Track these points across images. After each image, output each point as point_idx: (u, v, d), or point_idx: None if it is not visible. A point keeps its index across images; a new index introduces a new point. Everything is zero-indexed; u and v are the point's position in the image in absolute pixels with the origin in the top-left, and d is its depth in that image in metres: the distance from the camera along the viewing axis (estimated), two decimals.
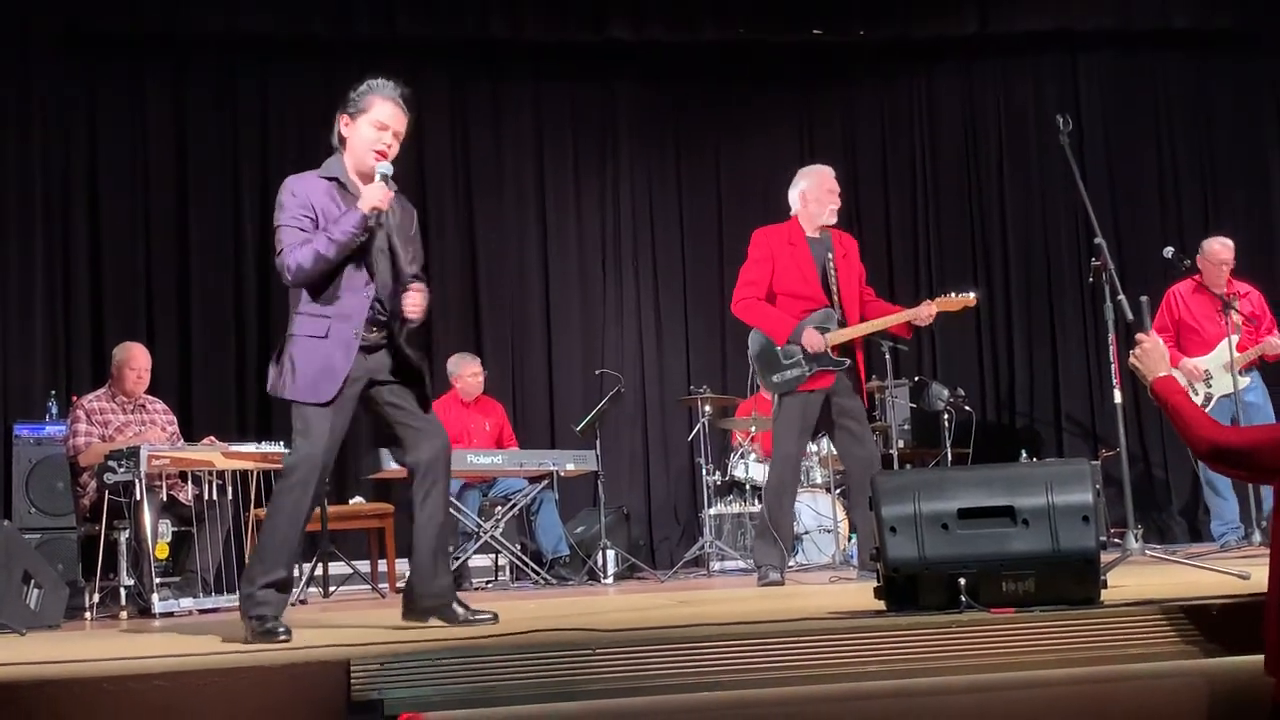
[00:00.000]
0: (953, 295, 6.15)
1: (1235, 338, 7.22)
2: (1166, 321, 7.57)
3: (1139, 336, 3.48)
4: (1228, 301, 7.25)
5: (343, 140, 4.30)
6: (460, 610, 4.19)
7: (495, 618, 4.15)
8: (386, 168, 4.15)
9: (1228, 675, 3.21)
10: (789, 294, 6.06)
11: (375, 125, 4.23)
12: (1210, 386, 7.35)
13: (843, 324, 6.02)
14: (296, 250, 4.07)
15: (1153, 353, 3.40)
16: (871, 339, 6.58)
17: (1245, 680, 3.07)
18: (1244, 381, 7.21)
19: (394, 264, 4.24)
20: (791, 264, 6.06)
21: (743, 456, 8.69)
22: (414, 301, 4.23)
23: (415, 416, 4.26)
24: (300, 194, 4.18)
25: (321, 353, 4.06)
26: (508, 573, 8.25)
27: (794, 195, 6.28)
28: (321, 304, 4.10)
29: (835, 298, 6.09)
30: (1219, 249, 7.43)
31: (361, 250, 4.12)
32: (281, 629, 3.86)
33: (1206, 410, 7.33)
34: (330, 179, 4.24)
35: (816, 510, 8.16)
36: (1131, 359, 3.49)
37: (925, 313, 6.03)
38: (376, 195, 4.10)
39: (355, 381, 4.12)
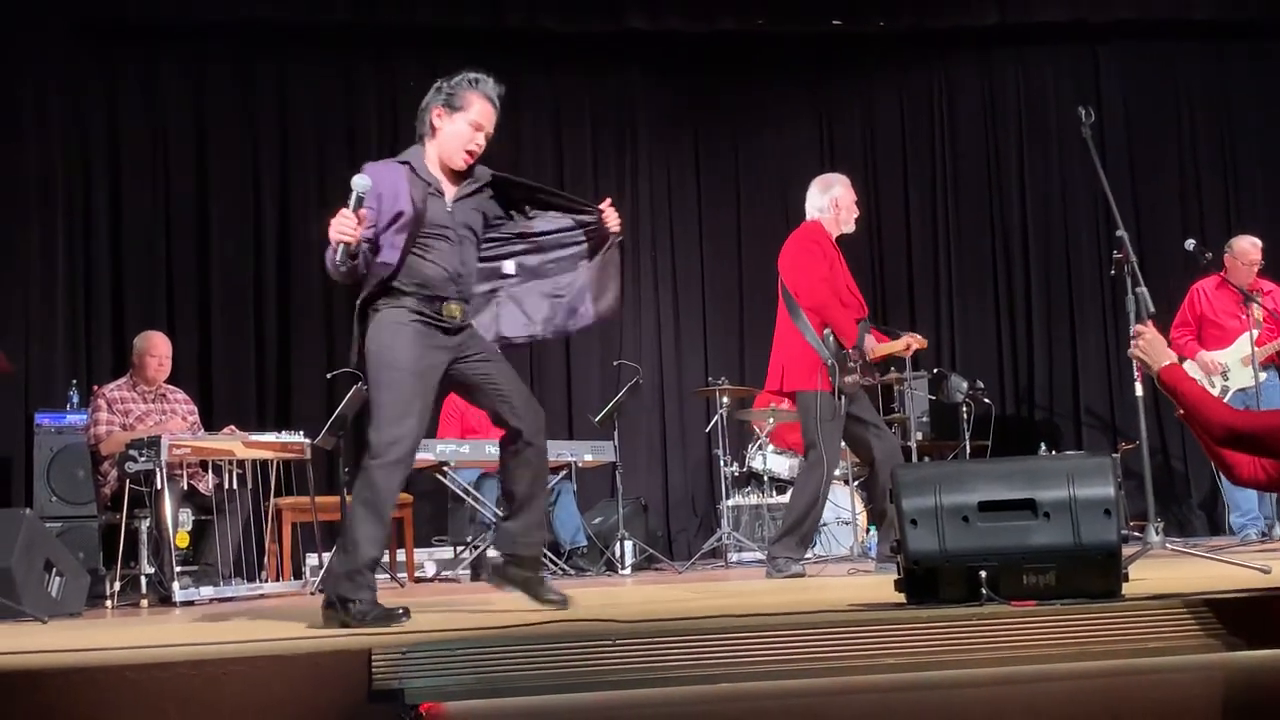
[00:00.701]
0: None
1: (1255, 333, 7.21)
2: (1189, 316, 7.57)
3: (1137, 329, 3.48)
4: (1250, 295, 7.23)
5: (433, 130, 4.26)
6: (543, 586, 4.26)
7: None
8: (363, 184, 3.98)
9: (1248, 669, 3.19)
10: (841, 302, 6.12)
11: (471, 125, 4.21)
12: (1227, 380, 7.35)
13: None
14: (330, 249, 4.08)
15: (1155, 343, 3.40)
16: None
17: (1265, 674, 3.07)
18: (1261, 377, 7.19)
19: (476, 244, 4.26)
20: (840, 269, 6.13)
21: (761, 448, 8.69)
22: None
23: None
24: (370, 177, 4.14)
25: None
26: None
27: (824, 200, 6.27)
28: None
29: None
30: (1249, 248, 7.44)
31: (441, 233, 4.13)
32: (399, 609, 3.90)
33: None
34: (403, 163, 4.22)
35: (835, 503, 8.15)
36: (1133, 350, 3.49)
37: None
38: (336, 228, 3.89)
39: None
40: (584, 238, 4.44)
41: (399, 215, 4.09)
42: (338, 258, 3.91)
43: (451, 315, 4.15)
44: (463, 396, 4.42)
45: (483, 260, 4.38)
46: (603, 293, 4.47)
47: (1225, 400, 7.31)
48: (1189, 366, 7.19)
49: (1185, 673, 3.22)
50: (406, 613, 3.89)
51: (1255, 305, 7.21)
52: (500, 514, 4.34)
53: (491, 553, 4.30)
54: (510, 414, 4.21)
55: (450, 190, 4.24)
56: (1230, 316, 7.36)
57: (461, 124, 4.20)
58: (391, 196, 4.10)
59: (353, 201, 3.92)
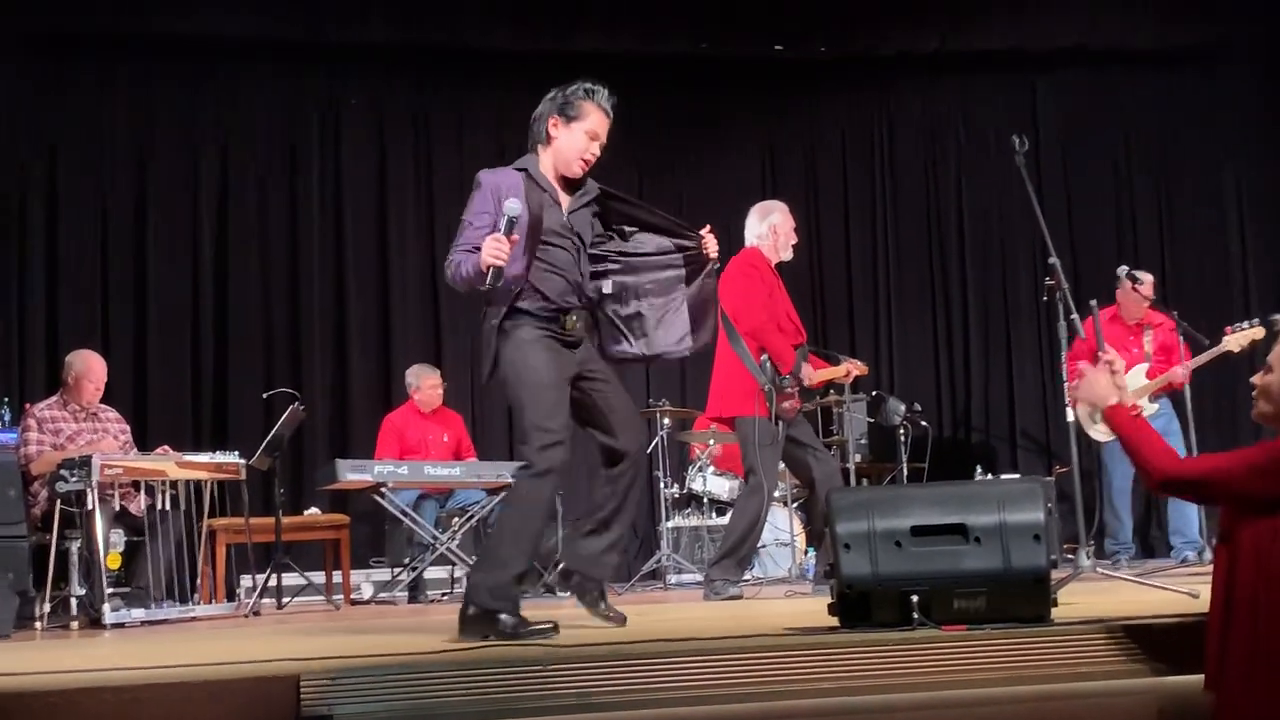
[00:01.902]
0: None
1: (1146, 365, 7.39)
2: (1084, 350, 7.71)
3: (1082, 368, 3.47)
4: (1147, 325, 7.55)
5: (548, 139, 4.27)
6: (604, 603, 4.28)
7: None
8: (514, 208, 3.98)
9: (1176, 694, 3.24)
10: (779, 328, 6.14)
11: (588, 134, 4.22)
12: None
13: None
14: (455, 255, 4.07)
15: (1094, 383, 3.36)
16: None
17: (1193, 699, 3.10)
18: (1154, 408, 7.30)
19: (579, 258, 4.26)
20: (780, 295, 6.15)
21: (701, 470, 8.70)
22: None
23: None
24: (487, 184, 4.15)
25: None
26: (464, 585, 8.21)
27: (763, 227, 6.31)
28: None
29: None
30: (1142, 283, 7.58)
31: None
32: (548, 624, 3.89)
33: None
34: (520, 170, 4.23)
35: (774, 524, 8.16)
36: (1073, 392, 3.50)
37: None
38: (489, 251, 3.90)
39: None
40: (682, 262, 4.40)
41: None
42: (488, 280, 3.94)
43: (574, 327, 4.18)
44: (574, 413, 4.35)
45: None
46: (703, 323, 4.44)
47: None
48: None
49: (1115, 697, 3.26)
50: (555, 627, 3.87)
51: (1148, 339, 7.39)
52: (585, 529, 4.32)
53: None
54: (620, 437, 4.26)
55: (565, 200, 4.27)
56: (1123, 349, 7.48)
57: (578, 133, 4.22)
58: (524, 220, 4.10)
59: (504, 225, 3.94)
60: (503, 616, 3.88)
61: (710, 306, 4.46)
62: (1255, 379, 3.10)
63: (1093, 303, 4.50)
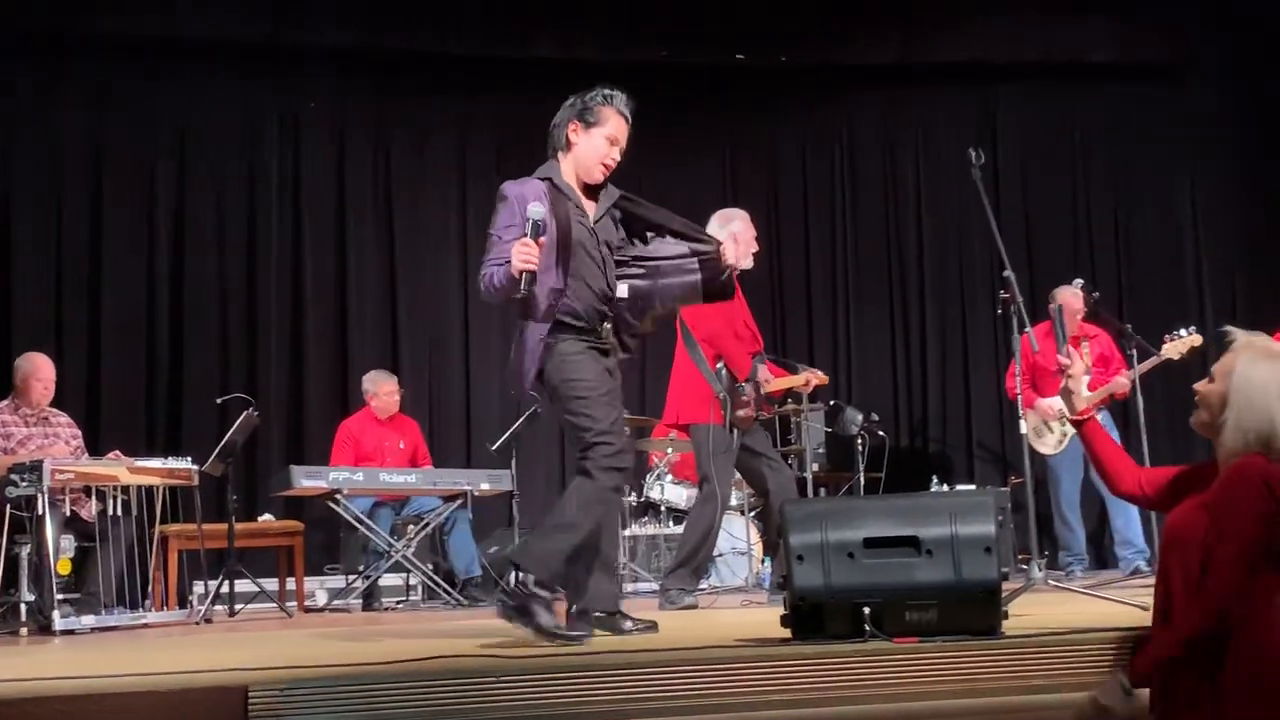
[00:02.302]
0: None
1: (1087, 377, 7.48)
2: (1023, 366, 7.77)
3: (1063, 363, 3.55)
4: (1082, 337, 7.69)
5: (568, 145, 4.27)
6: (628, 622, 4.30)
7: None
8: (538, 212, 4.00)
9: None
10: (735, 335, 6.14)
11: (608, 139, 4.25)
12: (1065, 426, 7.61)
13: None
14: (486, 269, 4.06)
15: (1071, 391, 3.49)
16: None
17: (1142, 712, 3.12)
18: (1097, 418, 7.38)
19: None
20: (738, 304, 6.14)
21: (659, 478, 8.70)
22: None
23: None
24: (512, 196, 4.12)
25: None
26: (419, 593, 8.18)
27: (724, 234, 6.30)
28: None
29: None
30: (1070, 298, 7.65)
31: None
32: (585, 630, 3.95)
33: (1062, 447, 7.72)
34: (544, 179, 4.21)
35: (730, 533, 8.17)
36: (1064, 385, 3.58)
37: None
38: (519, 257, 3.92)
39: None
40: (698, 267, 4.40)
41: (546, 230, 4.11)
42: (522, 287, 3.93)
43: (608, 336, 4.21)
44: None
45: None
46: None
47: (1065, 444, 7.64)
48: (1029, 415, 7.40)
49: (1064, 710, 3.27)
50: (590, 632, 3.92)
51: (1084, 350, 7.57)
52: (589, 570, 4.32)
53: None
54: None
55: (589, 206, 4.28)
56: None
57: (598, 139, 4.24)
58: (551, 225, 4.10)
59: (530, 230, 3.95)
60: (541, 618, 3.88)
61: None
62: (1198, 386, 3.15)
63: (1054, 305, 4.55)
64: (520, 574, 4.02)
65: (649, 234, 4.45)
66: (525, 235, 3.95)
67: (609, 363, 4.22)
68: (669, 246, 4.42)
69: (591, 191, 4.31)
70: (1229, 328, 3.19)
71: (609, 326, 4.22)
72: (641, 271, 4.37)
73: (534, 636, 3.83)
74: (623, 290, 4.33)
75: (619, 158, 4.29)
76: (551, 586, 4.00)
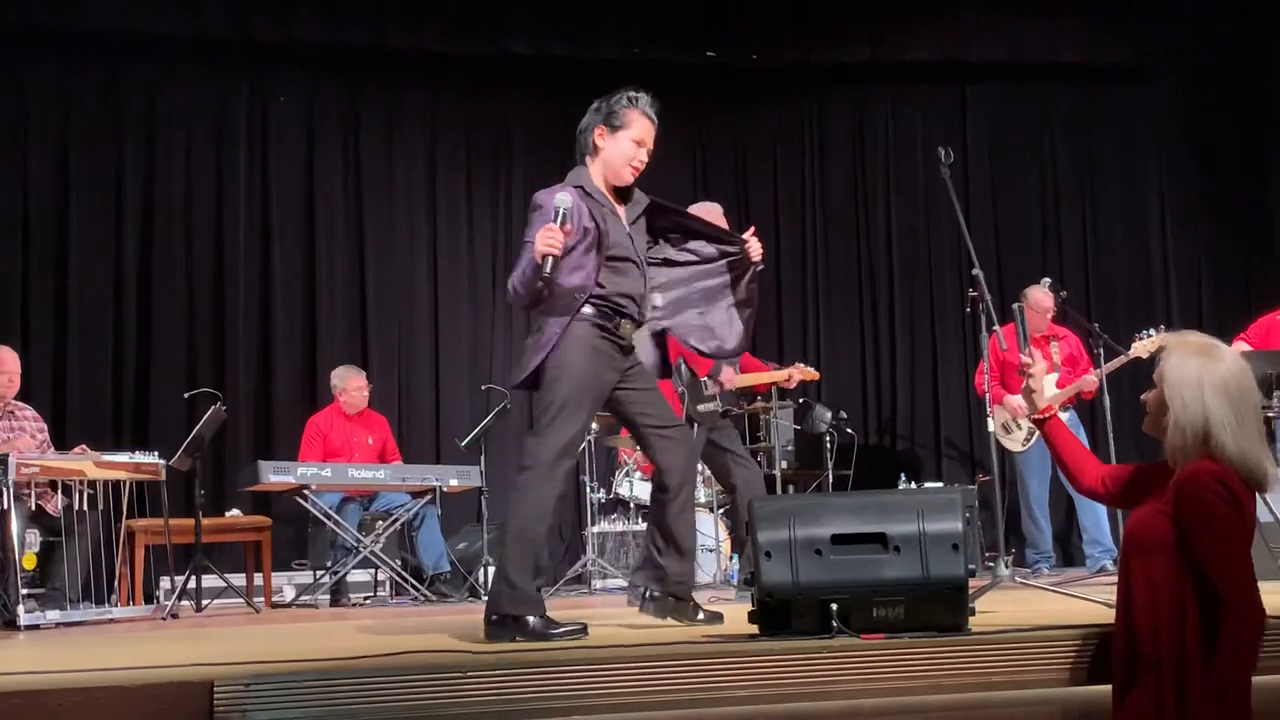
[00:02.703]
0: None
1: (1055, 376, 7.54)
2: (992, 364, 7.81)
3: (1024, 362, 3.58)
4: (1050, 336, 7.80)
5: (595, 150, 4.25)
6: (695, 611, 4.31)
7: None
8: (566, 201, 3.99)
9: (1089, 704, 3.28)
10: None
11: (635, 141, 4.22)
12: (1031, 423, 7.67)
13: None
14: (515, 269, 4.04)
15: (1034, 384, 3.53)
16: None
17: (1105, 709, 3.14)
18: (1063, 416, 7.45)
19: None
20: None
21: (628, 475, 8.70)
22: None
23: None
24: (546, 205, 4.07)
25: None
26: (388, 589, 8.16)
27: None
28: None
29: None
30: (1041, 297, 7.72)
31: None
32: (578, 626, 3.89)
33: (1030, 444, 7.76)
34: (576, 186, 4.18)
35: (699, 530, 8.16)
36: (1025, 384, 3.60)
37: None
38: (544, 240, 3.89)
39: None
40: (727, 269, 4.41)
41: (584, 234, 4.08)
42: (546, 270, 3.90)
43: (628, 333, 4.18)
44: (620, 421, 4.43)
45: None
46: (746, 328, 4.45)
47: (1032, 440, 7.74)
48: (997, 411, 7.45)
49: (1030, 706, 3.29)
50: (584, 629, 3.87)
51: (1054, 350, 7.71)
52: (657, 549, 4.30)
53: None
54: (662, 452, 4.25)
55: (621, 211, 4.26)
56: None
57: (625, 142, 4.23)
58: (577, 217, 4.08)
59: (559, 217, 3.94)
60: (530, 619, 3.88)
61: (752, 311, 4.48)
62: (1144, 396, 3.20)
63: (1016, 305, 4.57)
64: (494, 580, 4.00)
65: (676, 236, 4.46)
66: (552, 223, 3.94)
67: (620, 360, 4.19)
68: (697, 249, 4.45)
69: (621, 195, 4.30)
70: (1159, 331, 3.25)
71: (630, 326, 4.19)
72: (672, 277, 4.42)
73: (527, 641, 3.82)
74: (658, 300, 4.36)
75: (647, 159, 4.28)
76: (533, 588, 3.97)
